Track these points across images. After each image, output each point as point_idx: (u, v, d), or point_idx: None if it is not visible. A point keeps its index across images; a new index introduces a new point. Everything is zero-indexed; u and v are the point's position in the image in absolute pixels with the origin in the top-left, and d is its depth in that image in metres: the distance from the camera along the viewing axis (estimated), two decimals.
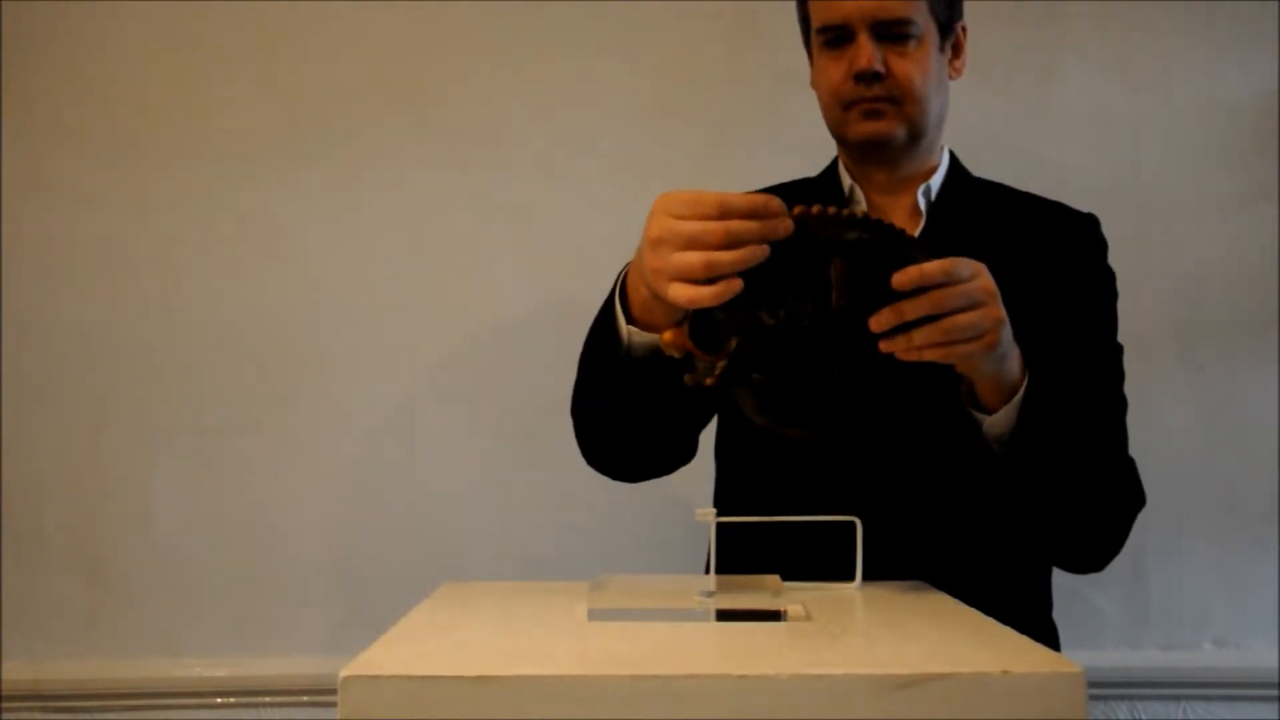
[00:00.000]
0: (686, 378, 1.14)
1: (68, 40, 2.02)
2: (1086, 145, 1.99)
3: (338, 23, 2.02)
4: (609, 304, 1.25)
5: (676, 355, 1.13)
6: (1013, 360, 1.20)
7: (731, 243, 1.06)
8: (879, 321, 1.10)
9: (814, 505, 1.27)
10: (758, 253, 1.07)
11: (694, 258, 1.06)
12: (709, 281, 1.07)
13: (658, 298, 1.13)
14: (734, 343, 1.11)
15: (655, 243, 1.09)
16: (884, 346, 1.10)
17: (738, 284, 1.07)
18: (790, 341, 1.11)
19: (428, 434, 2.01)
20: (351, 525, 2.00)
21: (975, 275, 1.12)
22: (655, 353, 1.22)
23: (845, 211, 1.10)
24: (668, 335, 1.13)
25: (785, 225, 1.07)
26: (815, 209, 1.09)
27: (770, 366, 1.12)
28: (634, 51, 2.02)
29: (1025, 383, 1.21)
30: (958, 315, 1.10)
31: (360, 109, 2.02)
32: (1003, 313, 1.14)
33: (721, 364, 1.12)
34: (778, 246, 1.09)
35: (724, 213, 1.07)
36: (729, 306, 1.09)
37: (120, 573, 1.99)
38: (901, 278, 1.08)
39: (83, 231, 2.01)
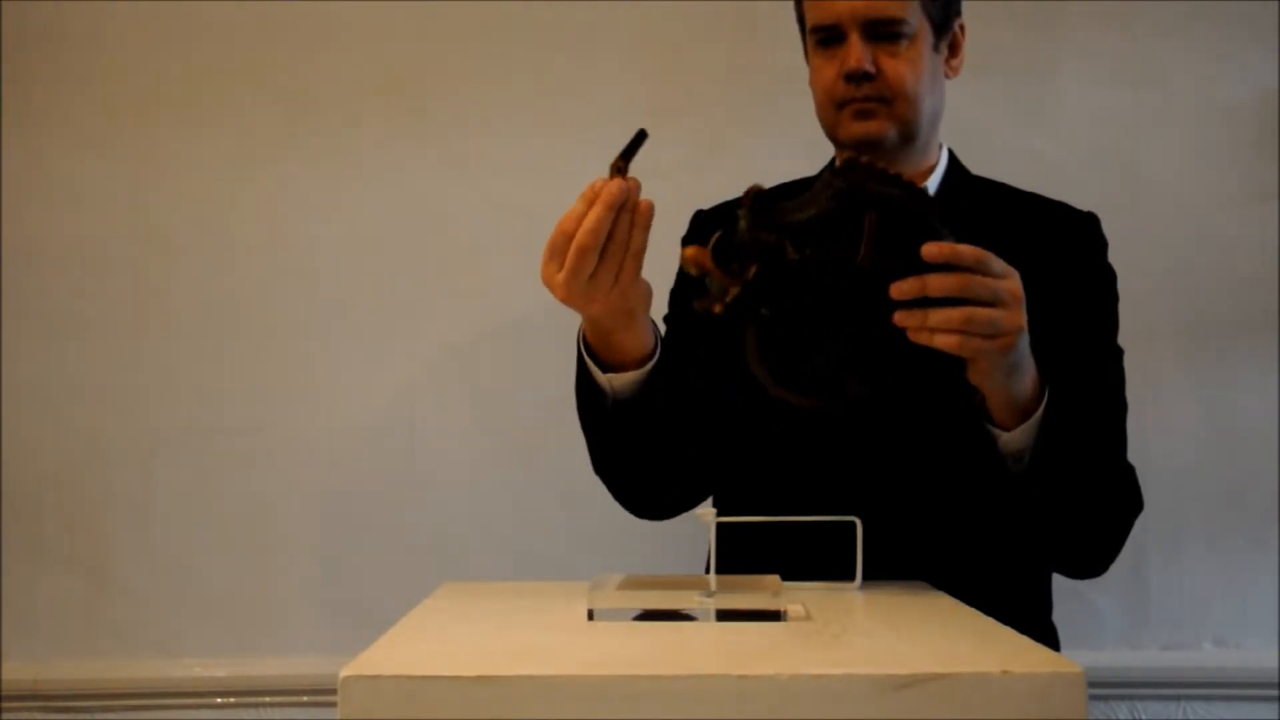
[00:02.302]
0: (696, 302, 1.13)
1: (68, 40, 2.02)
2: (1086, 145, 1.99)
3: (337, 22, 2.02)
4: (581, 366, 1.27)
5: (693, 272, 1.12)
6: (1025, 377, 1.19)
7: (598, 228, 1.11)
8: (901, 289, 1.08)
9: (814, 505, 1.27)
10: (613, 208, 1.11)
11: (577, 265, 1.12)
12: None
13: (612, 332, 1.20)
14: (753, 270, 1.10)
15: (567, 300, 1.16)
16: (899, 318, 1.09)
17: (635, 186, 1.12)
18: (808, 284, 1.09)
19: (428, 433, 2.01)
20: (351, 525, 2.00)
21: (1006, 275, 1.11)
22: (642, 388, 1.24)
23: (892, 170, 1.10)
24: (689, 251, 1.12)
25: (613, 184, 1.11)
26: (864, 158, 1.09)
27: (782, 305, 1.10)
28: (633, 51, 2.02)
29: (1043, 404, 1.20)
30: (979, 307, 1.09)
31: (360, 108, 2.02)
32: (1024, 322, 1.13)
33: (735, 290, 1.10)
34: (822, 188, 1.09)
35: (567, 236, 1.13)
36: (755, 225, 1.09)
37: (120, 573, 1.99)
38: (932, 249, 1.07)
39: (82, 230, 2.01)
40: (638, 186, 1.12)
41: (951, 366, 1.16)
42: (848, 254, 1.09)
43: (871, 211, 1.08)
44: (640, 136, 1.14)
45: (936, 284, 1.08)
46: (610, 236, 1.11)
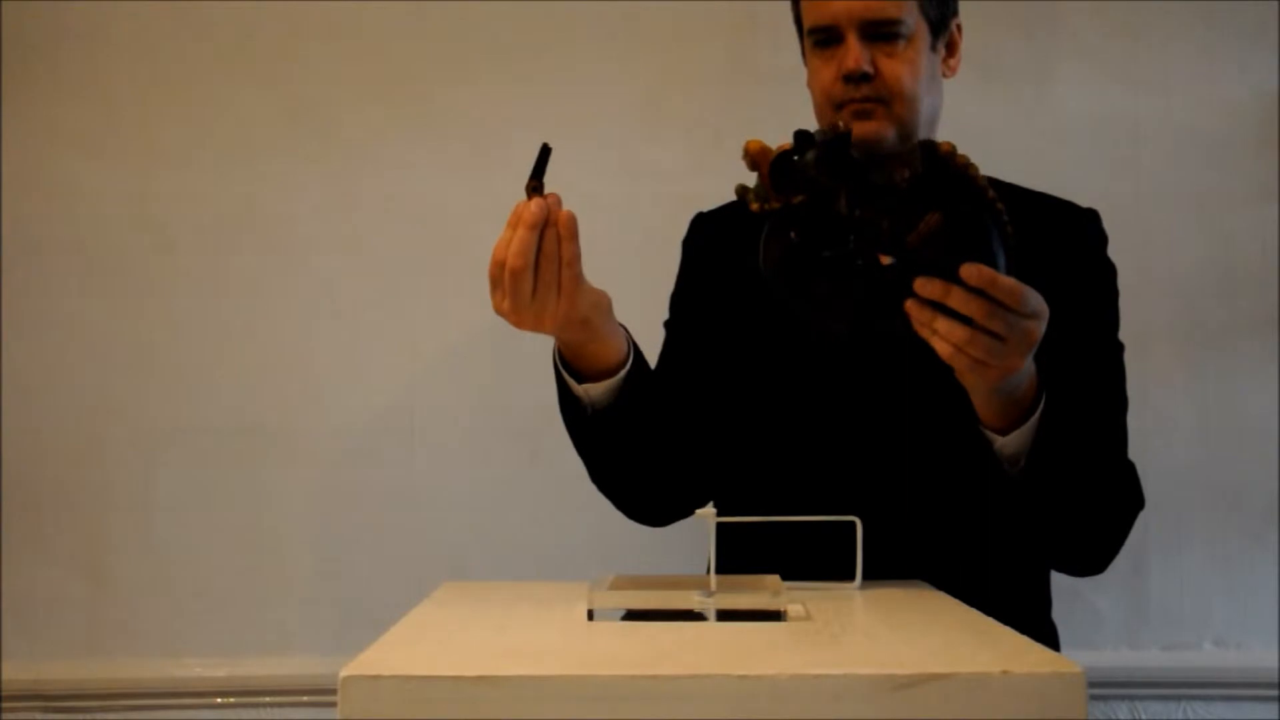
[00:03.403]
0: (738, 187, 1.15)
1: (68, 40, 2.02)
2: (1086, 145, 1.99)
3: (338, 23, 2.02)
4: (560, 383, 1.29)
5: (747, 165, 1.14)
6: (1016, 391, 1.19)
7: (524, 249, 1.13)
8: (924, 287, 1.08)
9: (814, 505, 1.27)
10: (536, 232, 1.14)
11: (515, 288, 1.15)
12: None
13: (579, 345, 1.22)
14: (799, 200, 1.10)
15: (520, 324, 1.18)
16: (910, 306, 1.09)
17: (556, 204, 1.14)
18: (844, 239, 1.10)
19: (428, 434, 2.01)
20: (351, 525, 2.00)
21: (1034, 316, 1.11)
22: (619, 395, 1.26)
23: (982, 177, 1.09)
24: (754, 145, 1.13)
25: (531, 204, 1.14)
26: (962, 157, 1.09)
27: (812, 239, 1.11)
28: (633, 51, 2.02)
29: (1041, 409, 1.20)
30: (986, 336, 1.09)
31: (360, 107, 2.02)
32: (1022, 365, 1.13)
33: (775, 205, 1.11)
34: (905, 161, 1.09)
35: (500, 264, 1.16)
36: (821, 165, 1.09)
37: (120, 573, 1.99)
38: (972, 272, 1.07)
39: (83, 230, 2.01)
40: (557, 201, 1.15)
41: (933, 381, 1.17)
42: (895, 235, 1.09)
43: (938, 213, 1.08)
44: (545, 152, 1.17)
45: (959, 300, 1.08)
46: (540, 253, 1.14)
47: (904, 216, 1.08)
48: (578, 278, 1.17)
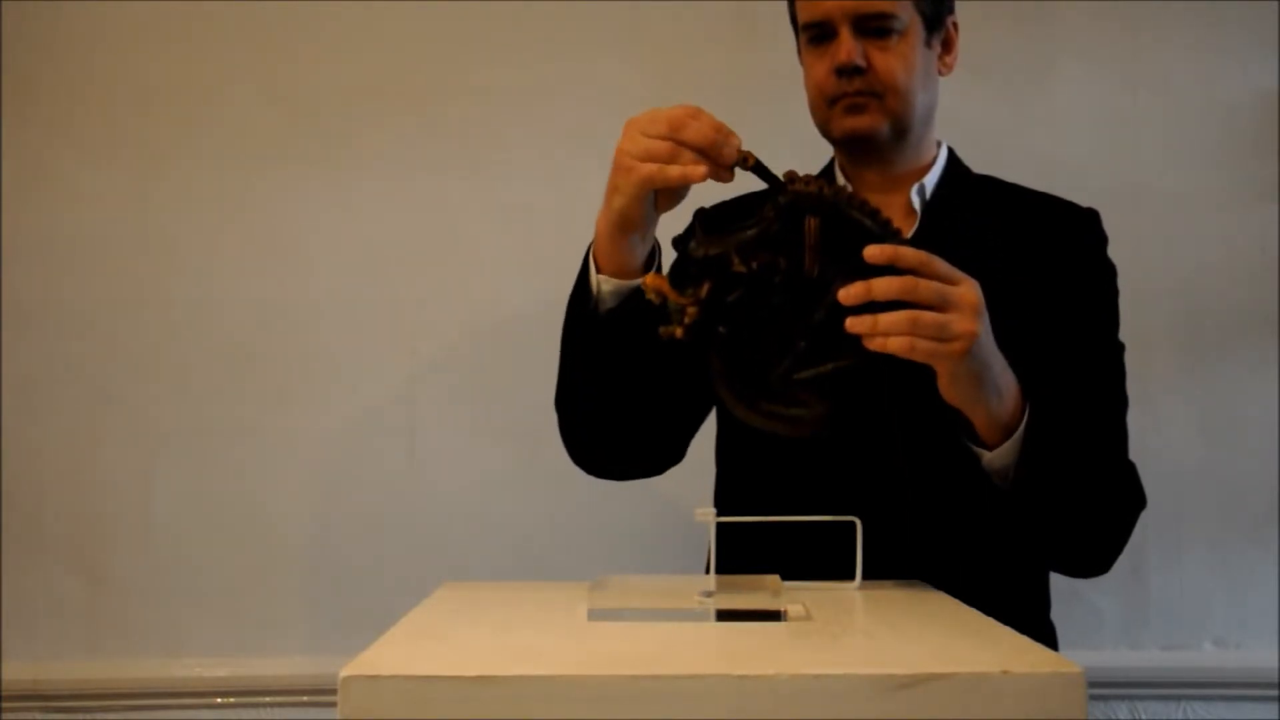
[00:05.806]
0: (661, 330, 1.15)
1: (68, 40, 2.02)
2: (1086, 145, 1.99)
3: (338, 23, 2.02)
4: (583, 272, 1.29)
5: (654, 299, 1.15)
6: (1005, 396, 1.19)
7: (703, 139, 1.14)
8: (848, 294, 1.10)
9: (814, 505, 1.27)
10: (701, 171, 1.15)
11: (649, 168, 1.16)
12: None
13: (616, 231, 1.21)
14: (706, 288, 1.12)
15: (623, 148, 1.19)
16: (850, 324, 1.10)
17: (701, 169, 1.14)
18: (758, 296, 1.12)
19: (427, 434, 2.01)
20: (351, 525, 2.00)
21: (957, 281, 1.12)
22: (625, 302, 1.25)
23: (831, 188, 1.13)
24: (648, 278, 1.16)
25: (733, 154, 1.15)
26: (806, 176, 1.13)
27: (736, 320, 1.13)
28: (634, 51, 2.02)
29: (1025, 419, 1.20)
30: (926, 311, 1.10)
31: (360, 108, 2.02)
32: (979, 329, 1.12)
33: (693, 311, 1.13)
34: (767, 205, 1.13)
35: (672, 133, 1.16)
36: (704, 243, 1.12)
37: (120, 573, 1.99)
38: (874, 250, 1.09)
39: (83, 230, 2.01)
40: (709, 171, 1.15)
41: (921, 382, 1.16)
42: (794, 264, 1.12)
43: (810, 217, 1.12)
44: (779, 186, 1.15)
45: (881, 287, 1.09)
46: (681, 153, 1.15)
47: (790, 244, 1.12)
48: (650, 184, 1.17)
